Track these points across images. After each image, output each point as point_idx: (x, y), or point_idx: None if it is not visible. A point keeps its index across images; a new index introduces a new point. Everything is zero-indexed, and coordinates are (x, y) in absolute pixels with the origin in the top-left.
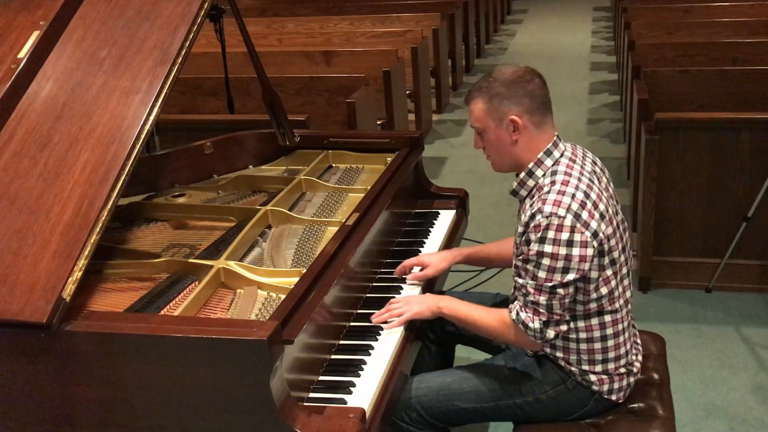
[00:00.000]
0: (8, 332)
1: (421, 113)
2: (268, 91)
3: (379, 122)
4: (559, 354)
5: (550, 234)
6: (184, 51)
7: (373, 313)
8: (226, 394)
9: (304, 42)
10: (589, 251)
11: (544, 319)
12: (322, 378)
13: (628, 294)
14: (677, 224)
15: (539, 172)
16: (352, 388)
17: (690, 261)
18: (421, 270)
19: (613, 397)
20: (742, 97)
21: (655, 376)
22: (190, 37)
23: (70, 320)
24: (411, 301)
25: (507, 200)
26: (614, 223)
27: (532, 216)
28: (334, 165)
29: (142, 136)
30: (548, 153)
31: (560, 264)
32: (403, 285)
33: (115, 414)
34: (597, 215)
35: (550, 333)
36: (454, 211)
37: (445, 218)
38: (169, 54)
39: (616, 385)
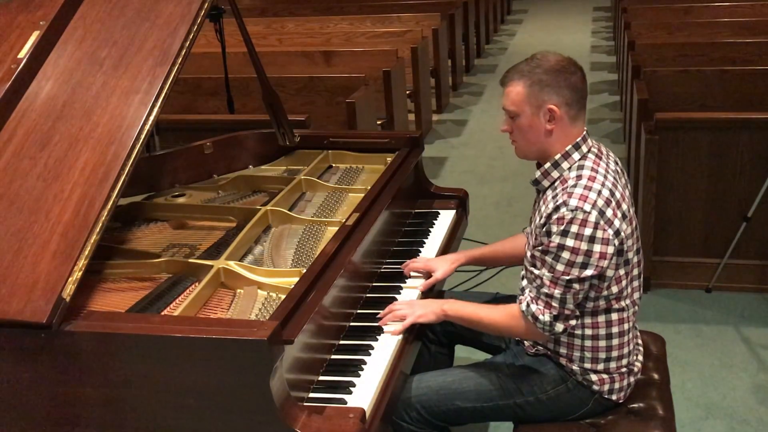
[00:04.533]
0: (8, 332)
1: (421, 113)
2: (268, 91)
3: (379, 122)
4: (562, 350)
5: (574, 228)
6: (184, 51)
7: (373, 314)
8: (226, 394)
9: (304, 42)
10: (610, 249)
11: (555, 313)
12: (322, 378)
13: (636, 295)
14: (677, 224)
15: (565, 165)
16: (352, 388)
17: (690, 261)
18: (429, 275)
19: (614, 397)
20: (742, 97)
21: (655, 376)
22: (190, 37)
23: (70, 320)
24: (414, 304)
25: (507, 200)
26: (633, 224)
27: (557, 208)
28: (334, 165)
29: (142, 136)
30: (576, 147)
31: (580, 259)
32: (402, 285)
33: (115, 414)
34: (620, 214)
35: (559, 327)
36: (454, 211)
37: (445, 218)
38: (169, 54)
39: (616, 385)
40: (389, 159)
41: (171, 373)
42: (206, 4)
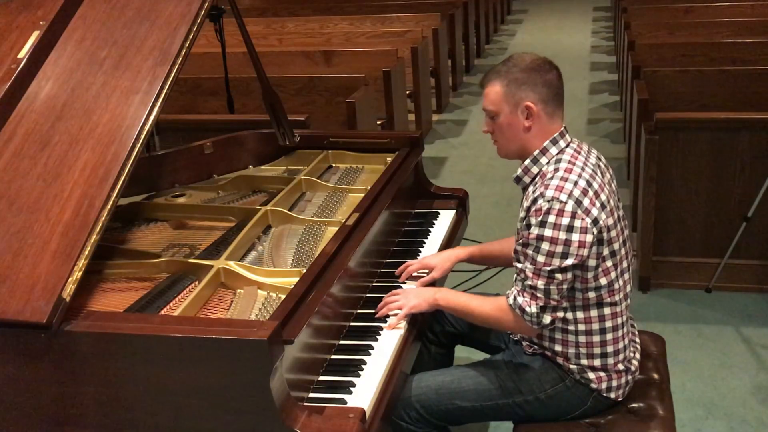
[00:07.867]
0: (8, 332)
1: (421, 113)
2: (268, 91)
3: (379, 122)
4: (558, 348)
5: (551, 218)
6: (184, 51)
7: (373, 314)
8: (226, 394)
9: (304, 42)
10: (589, 237)
11: (541, 304)
12: (322, 378)
13: (627, 289)
14: (677, 224)
15: (543, 160)
16: (352, 388)
17: (690, 261)
18: (427, 273)
19: (612, 395)
20: (742, 97)
21: (655, 376)
22: (190, 37)
23: (70, 320)
24: (408, 294)
25: (507, 200)
26: (615, 215)
27: (534, 200)
28: (334, 165)
29: (142, 136)
30: (554, 142)
31: (559, 249)
32: (402, 286)
33: (115, 414)
34: (598, 204)
35: (547, 318)
36: (454, 211)
37: (445, 218)
38: (169, 54)
39: (614, 383)
40: (389, 159)
41: (171, 373)
42: (206, 4)
